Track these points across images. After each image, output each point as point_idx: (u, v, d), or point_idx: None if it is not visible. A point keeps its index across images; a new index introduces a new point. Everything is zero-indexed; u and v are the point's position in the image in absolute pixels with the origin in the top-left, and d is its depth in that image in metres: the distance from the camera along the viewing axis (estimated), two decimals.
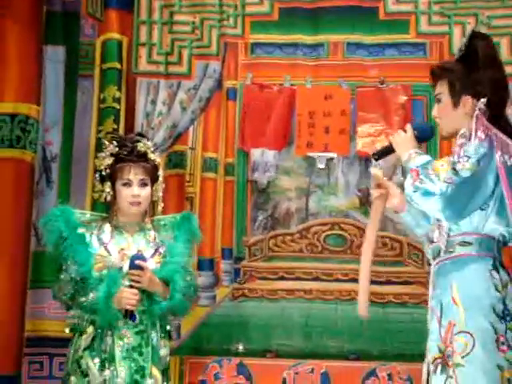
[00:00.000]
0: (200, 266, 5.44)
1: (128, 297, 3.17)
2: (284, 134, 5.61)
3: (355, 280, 5.20)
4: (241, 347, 5.29)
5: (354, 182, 5.53)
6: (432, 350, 2.79)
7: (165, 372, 3.30)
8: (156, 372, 3.24)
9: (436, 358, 2.75)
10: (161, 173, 3.44)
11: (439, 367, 2.73)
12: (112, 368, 3.18)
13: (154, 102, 5.51)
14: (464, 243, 2.81)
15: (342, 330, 5.26)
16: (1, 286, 4.89)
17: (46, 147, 5.34)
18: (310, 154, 5.56)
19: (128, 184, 3.28)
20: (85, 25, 5.50)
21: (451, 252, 2.82)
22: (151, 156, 3.36)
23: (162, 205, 3.53)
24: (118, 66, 5.39)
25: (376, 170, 3.11)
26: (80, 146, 5.34)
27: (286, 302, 5.45)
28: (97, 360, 3.20)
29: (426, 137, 2.96)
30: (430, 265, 3.01)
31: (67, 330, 3.34)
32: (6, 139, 5.04)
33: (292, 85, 5.60)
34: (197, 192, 5.57)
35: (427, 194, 2.70)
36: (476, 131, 2.75)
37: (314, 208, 5.57)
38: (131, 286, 3.20)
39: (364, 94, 5.46)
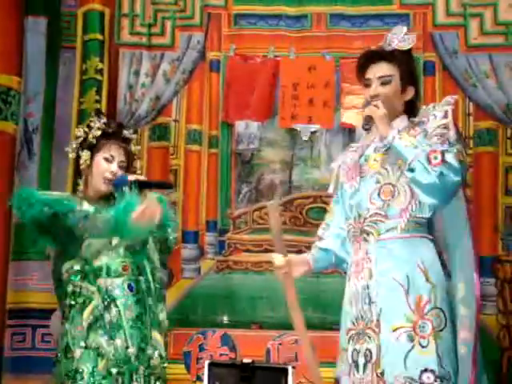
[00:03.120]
0: (184, 239, 5.46)
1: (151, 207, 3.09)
2: (268, 105, 5.59)
3: None
4: (225, 319, 5.31)
5: (338, 154, 5.49)
6: (397, 318, 2.86)
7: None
8: (157, 336, 3.26)
9: (401, 327, 2.84)
10: (135, 164, 3.41)
11: (404, 335, 2.83)
12: (122, 337, 3.19)
13: (137, 74, 5.49)
14: (417, 225, 2.93)
15: (325, 302, 5.26)
16: None
17: (28, 119, 5.31)
18: (294, 127, 5.54)
19: (109, 160, 3.26)
20: None
21: (408, 231, 2.93)
22: (133, 147, 3.37)
23: None
24: (99, 37, 5.35)
25: (276, 256, 3.24)
26: (62, 117, 5.32)
27: (271, 274, 5.40)
28: (104, 334, 3.19)
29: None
30: None
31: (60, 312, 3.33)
32: None
33: (276, 56, 5.59)
34: (181, 164, 5.56)
35: (456, 173, 2.81)
36: (454, 125, 2.90)
37: (297, 181, 5.57)
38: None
39: (348, 66, 5.40)
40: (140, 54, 5.50)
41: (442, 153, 2.81)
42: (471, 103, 5.40)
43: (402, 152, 2.87)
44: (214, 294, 5.39)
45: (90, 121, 3.33)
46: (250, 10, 5.61)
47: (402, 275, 2.88)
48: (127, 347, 3.16)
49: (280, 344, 5.17)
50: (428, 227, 2.96)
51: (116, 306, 3.20)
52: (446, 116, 2.91)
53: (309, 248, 5.39)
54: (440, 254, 2.96)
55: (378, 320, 2.89)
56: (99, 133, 3.27)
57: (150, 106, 5.50)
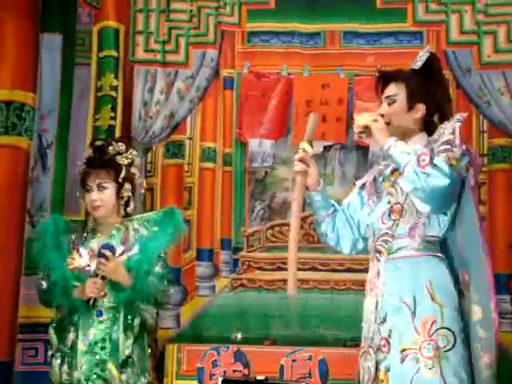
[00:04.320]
0: (199, 257, 5.47)
1: (89, 285, 3.27)
2: (281, 123, 5.59)
3: (351, 270, 5.29)
4: (239, 336, 5.27)
5: (351, 172, 5.50)
6: (403, 339, 2.86)
7: (124, 365, 3.31)
8: (112, 367, 3.28)
9: (408, 348, 2.83)
10: (123, 174, 3.46)
11: (410, 357, 2.82)
12: (73, 363, 3.27)
13: (151, 91, 5.50)
14: (428, 243, 2.93)
15: (339, 318, 5.24)
16: None
17: (42, 134, 5.33)
18: None
19: (89, 190, 3.41)
20: (81, 13, 5.51)
21: (418, 250, 2.93)
22: (118, 158, 3.44)
23: (133, 204, 3.53)
24: (114, 54, 5.37)
25: (307, 144, 3.16)
26: (76, 133, 5.33)
27: (284, 292, 5.38)
28: (58, 358, 3.31)
29: None
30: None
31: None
32: (1, 126, 5.02)
33: (289, 73, 5.60)
34: (195, 182, 5.56)
35: (444, 175, 2.77)
36: (460, 141, 2.87)
37: None
38: (97, 274, 3.30)
39: (361, 83, 5.43)
40: (154, 70, 5.52)
41: (431, 155, 2.80)
42: (485, 120, 5.38)
43: (397, 159, 2.87)
44: (228, 311, 5.37)
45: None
46: (264, 28, 5.63)
47: (409, 296, 2.88)
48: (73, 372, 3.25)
49: (294, 360, 5.11)
50: (440, 246, 2.95)
51: (76, 330, 3.30)
52: (453, 133, 2.89)
53: (323, 265, 5.46)
54: (456, 274, 2.94)
55: (386, 340, 2.89)
56: (80, 170, 3.47)
57: (165, 123, 5.51)
